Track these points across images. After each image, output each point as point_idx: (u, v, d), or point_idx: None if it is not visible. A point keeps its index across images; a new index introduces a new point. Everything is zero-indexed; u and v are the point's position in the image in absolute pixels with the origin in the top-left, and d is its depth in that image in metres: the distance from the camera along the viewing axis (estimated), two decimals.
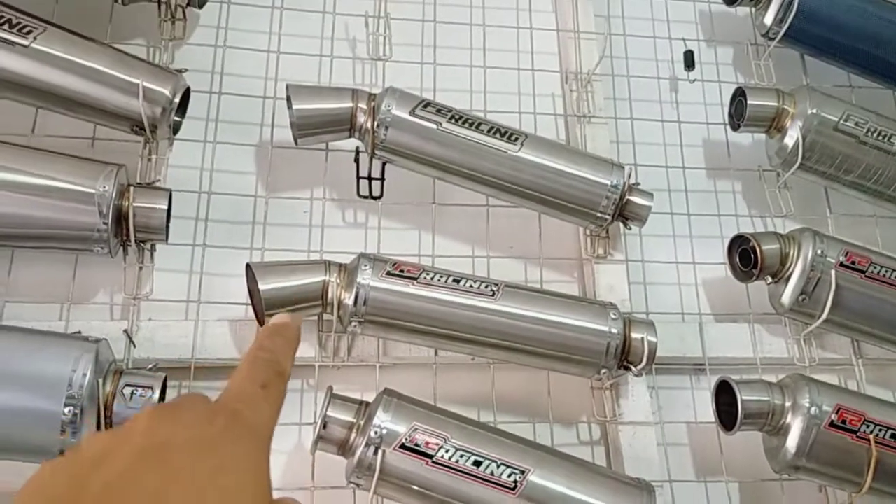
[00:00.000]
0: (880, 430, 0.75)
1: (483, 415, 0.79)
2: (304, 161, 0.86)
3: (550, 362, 0.76)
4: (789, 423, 0.75)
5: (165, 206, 0.74)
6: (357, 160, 0.84)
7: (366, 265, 0.72)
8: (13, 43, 0.73)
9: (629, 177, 0.82)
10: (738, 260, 0.84)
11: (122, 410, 0.65)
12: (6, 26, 0.73)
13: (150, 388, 0.66)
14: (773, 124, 0.90)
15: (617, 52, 1.01)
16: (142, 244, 0.76)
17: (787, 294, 0.82)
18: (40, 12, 0.80)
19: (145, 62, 0.79)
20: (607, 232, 0.86)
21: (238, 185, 0.86)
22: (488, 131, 0.80)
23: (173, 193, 0.77)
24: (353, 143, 0.83)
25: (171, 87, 0.77)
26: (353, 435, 0.66)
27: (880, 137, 0.88)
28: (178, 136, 0.82)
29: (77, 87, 0.75)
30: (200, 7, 0.87)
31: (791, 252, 0.82)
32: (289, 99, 0.80)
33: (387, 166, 0.83)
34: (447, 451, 0.65)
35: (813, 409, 0.74)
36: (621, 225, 0.84)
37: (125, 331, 0.74)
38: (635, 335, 0.75)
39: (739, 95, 0.91)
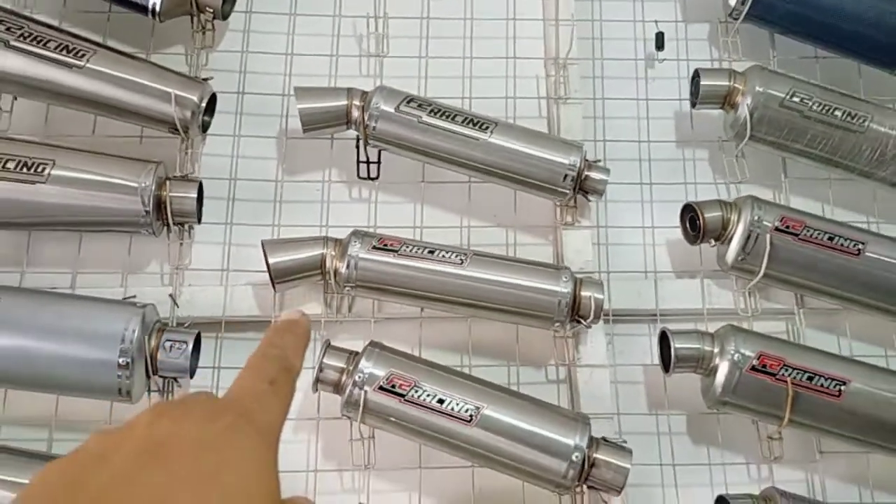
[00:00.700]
0: (798, 374, 0.86)
1: (464, 359, 0.94)
2: (315, 148, 1.01)
3: (512, 317, 0.90)
4: (717, 365, 0.87)
5: (195, 195, 0.89)
6: (357, 147, 0.98)
7: (356, 240, 0.88)
8: (71, 65, 0.89)
9: (586, 155, 0.94)
10: (687, 225, 0.96)
11: (165, 359, 0.83)
12: (65, 51, 0.89)
13: (185, 342, 0.83)
14: (727, 101, 0.99)
15: (596, 34, 1.11)
16: (179, 225, 0.92)
17: (730, 253, 0.93)
18: (95, 29, 0.99)
19: (177, 73, 0.93)
20: (575, 202, 0.98)
21: (260, 170, 1.01)
22: (462, 122, 0.93)
23: (207, 181, 0.93)
24: (353, 132, 0.97)
25: (198, 93, 0.92)
26: (344, 378, 0.82)
27: (824, 111, 0.97)
28: (209, 131, 0.97)
29: (122, 97, 0.90)
30: (224, 19, 1.01)
31: (732, 217, 0.93)
32: None
33: (382, 152, 0.98)
34: (416, 391, 0.81)
35: (737, 355, 0.86)
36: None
37: (170, 295, 0.91)
38: (584, 293, 0.88)
39: (696, 76, 1.00)
